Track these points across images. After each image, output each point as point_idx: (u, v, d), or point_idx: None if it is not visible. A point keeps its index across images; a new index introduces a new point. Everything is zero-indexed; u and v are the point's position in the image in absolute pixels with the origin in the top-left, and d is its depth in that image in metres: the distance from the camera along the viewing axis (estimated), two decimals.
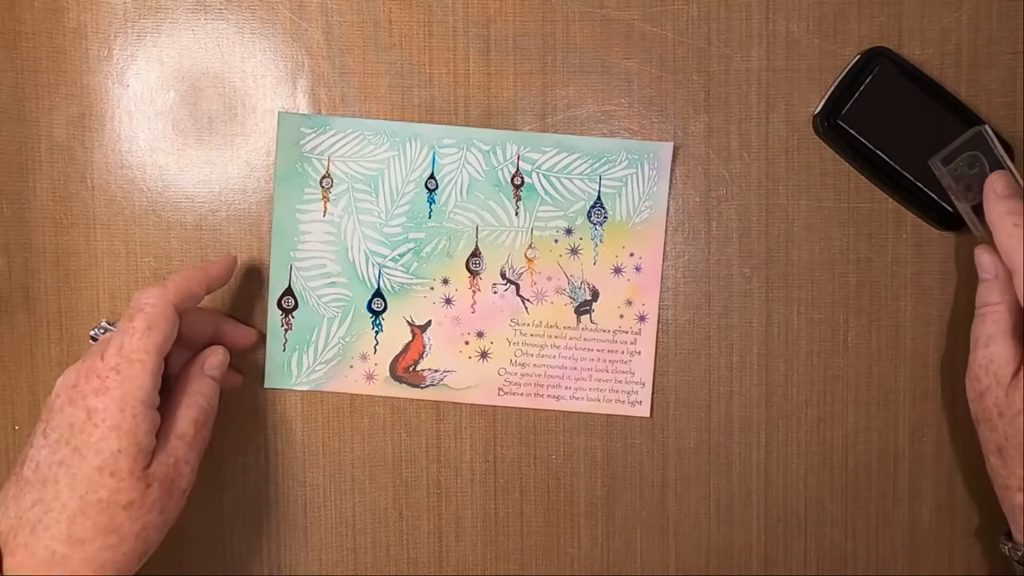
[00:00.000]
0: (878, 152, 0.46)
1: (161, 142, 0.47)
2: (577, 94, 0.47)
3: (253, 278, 0.48)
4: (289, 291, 0.47)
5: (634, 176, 0.47)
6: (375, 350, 0.48)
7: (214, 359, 0.44)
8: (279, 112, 0.47)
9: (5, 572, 0.36)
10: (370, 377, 0.48)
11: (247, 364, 0.48)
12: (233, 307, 0.48)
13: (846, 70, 0.46)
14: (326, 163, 0.47)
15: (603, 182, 0.47)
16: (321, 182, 0.47)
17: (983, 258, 0.44)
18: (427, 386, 0.48)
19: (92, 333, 0.44)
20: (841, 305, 0.48)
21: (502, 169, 0.47)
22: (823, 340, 0.48)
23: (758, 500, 0.48)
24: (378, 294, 0.47)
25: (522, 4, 0.47)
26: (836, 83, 0.47)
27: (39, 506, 0.37)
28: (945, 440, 0.48)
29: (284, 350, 0.48)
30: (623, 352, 0.48)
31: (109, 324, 0.44)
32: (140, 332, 0.39)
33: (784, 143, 0.47)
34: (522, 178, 0.47)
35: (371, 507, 0.48)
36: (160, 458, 0.39)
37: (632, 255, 0.47)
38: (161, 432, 0.40)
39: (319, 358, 0.48)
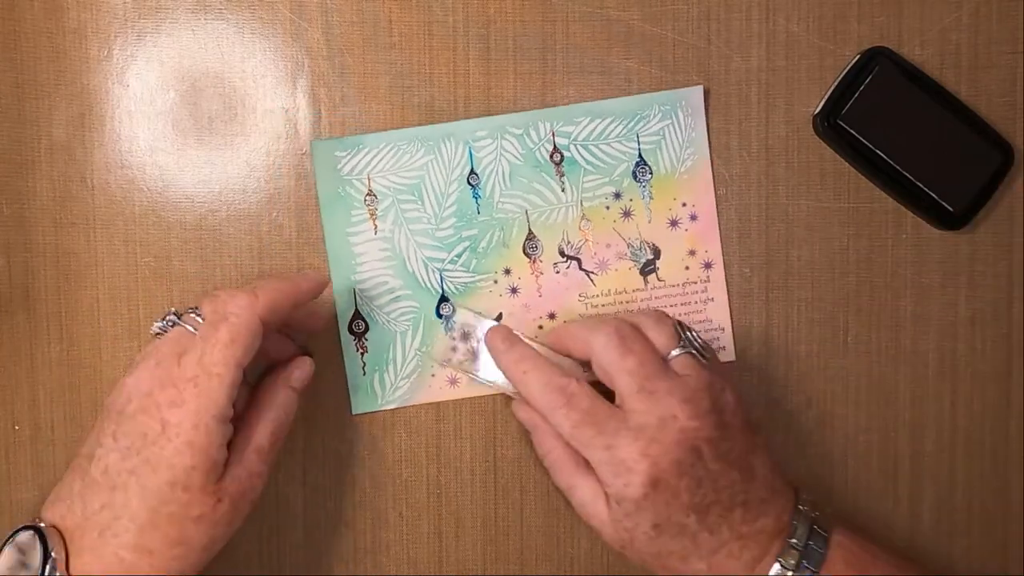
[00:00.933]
0: (878, 152, 0.46)
1: (161, 142, 0.47)
2: (577, 94, 0.47)
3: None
4: (357, 314, 0.47)
5: (670, 127, 0.47)
6: (453, 351, 0.47)
7: (301, 373, 0.43)
8: (311, 142, 0.47)
9: (72, 572, 0.36)
10: (454, 382, 0.48)
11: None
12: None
13: (846, 70, 0.47)
14: (367, 182, 0.47)
15: (641, 139, 0.47)
16: (365, 201, 0.47)
17: (519, 413, 0.45)
18: None
19: (159, 325, 0.40)
20: (841, 305, 0.48)
21: (539, 149, 0.47)
22: (823, 340, 0.48)
23: None
24: (444, 298, 0.47)
25: (522, 4, 0.47)
26: (836, 83, 0.47)
27: (107, 511, 0.37)
28: (945, 440, 0.48)
29: (364, 373, 0.47)
30: (696, 303, 0.47)
31: (176, 316, 0.40)
32: (223, 344, 0.38)
33: (784, 143, 0.47)
34: (561, 153, 0.47)
35: (371, 507, 0.48)
36: (234, 472, 0.39)
37: (685, 205, 0.47)
38: (237, 443, 0.39)
39: (400, 374, 0.47)
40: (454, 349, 0.47)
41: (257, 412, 0.41)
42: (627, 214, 0.47)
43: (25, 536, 0.37)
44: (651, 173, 0.47)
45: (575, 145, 0.47)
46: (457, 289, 0.47)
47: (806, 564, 0.39)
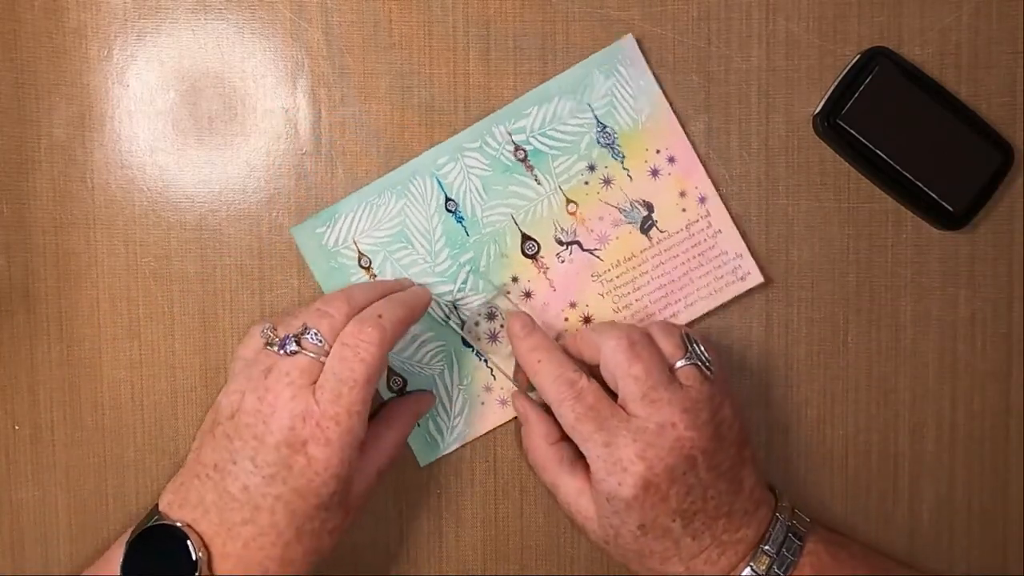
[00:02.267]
0: (878, 152, 0.46)
1: (161, 142, 0.47)
2: None
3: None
4: (392, 372, 0.47)
5: (617, 84, 0.47)
6: (494, 377, 0.47)
7: (427, 407, 0.47)
8: (291, 229, 0.47)
9: (217, 572, 0.39)
10: (504, 402, 0.47)
11: None
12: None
13: (846, 70, 0.46)
14: (354, 246, 0.47)
15: (593, 107, 0.47)
16: (360, 263, 0.47)
17: (515, 403, 0.46)
18: None
19: (285, 346, 0.40)
20: (841, 305, 0.48)
21: (501, 153, 0.47)
22: (823, 340, 0.48)
23: None
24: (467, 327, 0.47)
25: (522, 4, 0.47)
26: (836, 83, 0.47)
27: (251, 526, 0.39)
28: (945, 440, 0.48)
29: (419, 425, 0.47)
30: (706, 240, 0.47)
31: (296, 340, 0.40)
32: (361, 385, 0.39)
33: (784, 143, 0.47)
34: (523, 150, 0.47)
35: (371, 507, 0.48)
36: (360, 490, 0.42)
37: (659, 152, 0.47)
38: (365, 464, 0.42)
39: (452, 414, 0.48)
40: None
41: (383, 435, 0.44)
42: (607, 182, 0.47)
43: (161, 532, 0.40)
44: (615, 134, 0.47)
45: (534, 137, 0.47)
46: (475, 313, 0.47)
47: (776, 569, 0.41)
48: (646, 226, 0.47)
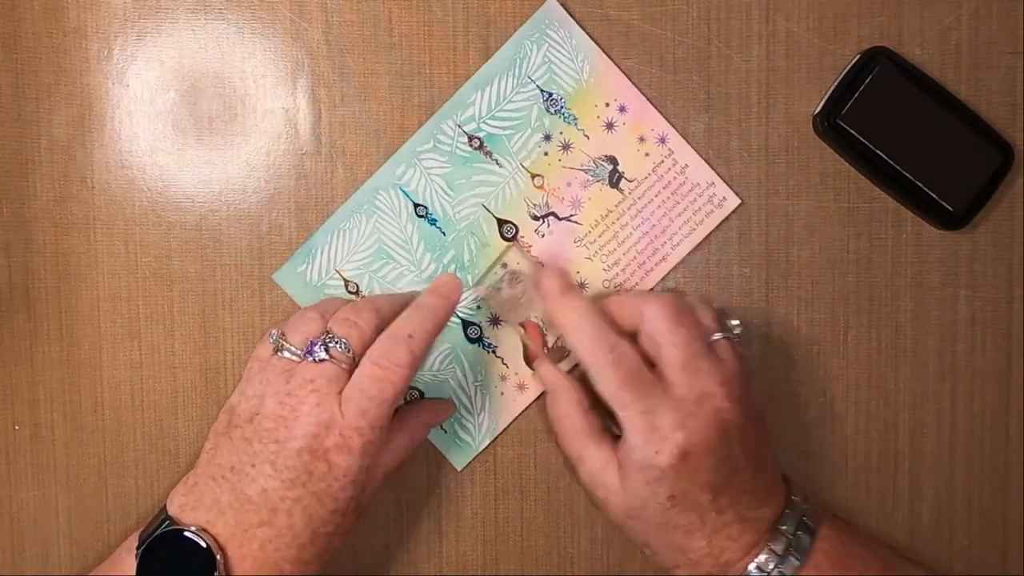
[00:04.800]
0: (878, 152, 0.46)
1: (161, 142, 0.47)
2: None
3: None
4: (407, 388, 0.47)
5: (550, 49, 0.47)
6: (505, 364, 0.47)
7: (443, 417, 0.47)
8: (272, 276, 0.47)
9: (233, 572, 0.39)
10: (522, 387, 0.48)
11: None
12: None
13: (846, 70, 0.46)
14: (339, 276, 0.47)
15: (534, 77, 0.47)
16: (348, 290, 0.47)
17: (542, 370, 0.45)
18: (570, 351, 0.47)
19: (313, 353, 0.41)
20: (841, 305, 0.48)
21: (456, 147, 0.47)
22: (823, 340, 0.48)
23: None
24: (466, 324, 0.47)
25: (522, 4, 0.47)
26: (836, 83, 0.47)
27: (268, 529, 0.39)
28: (945, 440, 0.48)
29: (444, 431, 0.48)
30: (675, 177, 0.47)
31: (325, 348, 0.41)
32: (388, 404, 0.40)
33: (784, 143, 0.47)
34: (477, 138, 0.47)
35: (371, 507, 0.48)
36: (369, 492, 0.42)
37: (608, 104, 0.47)
38: (375, 464, 0.42)
39: (475, 412, 0.48)
40: (499, 290, 0.47)
41: (395, 438, 0.44)
42: (566, 147, 0.47)
43: (175, 537, 0.39)
44: (561, 99, 0.47)
45: (484, 123, 0.47)
46: (472, 310, 0.47)
47: (793, 552, 0.41)
48: (614, 179, 0.47)
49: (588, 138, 0.47)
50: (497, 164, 0.47)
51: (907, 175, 0.46)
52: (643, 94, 0.47)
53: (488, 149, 0.47)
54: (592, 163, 0.47)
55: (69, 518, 0.48)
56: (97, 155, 0.47)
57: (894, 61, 0.46)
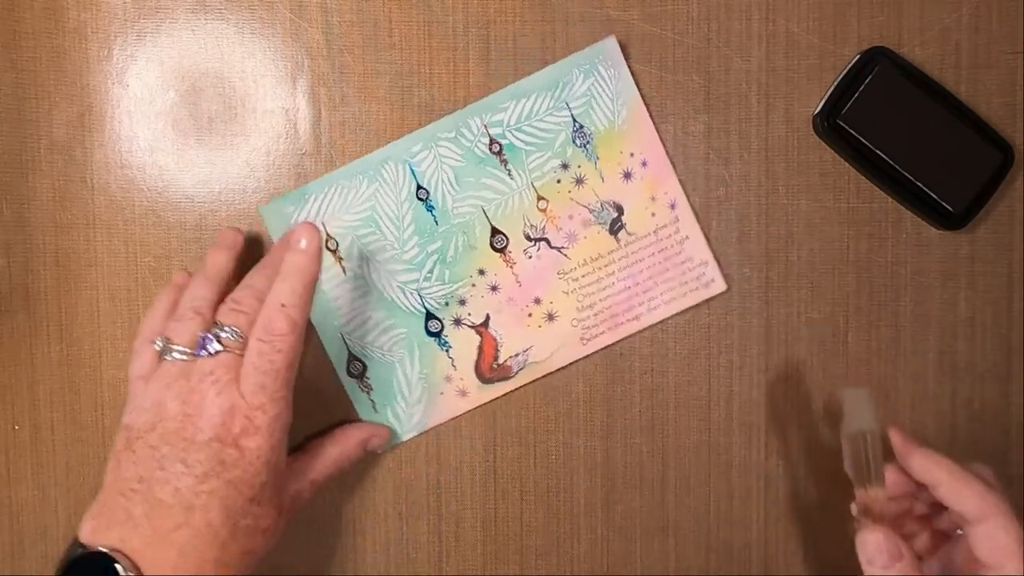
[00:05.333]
0: (878, 152, 0.46)
1: (161, 142, 0.47)
2: None
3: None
4: (352, 357, 0.47)
5: (596, 84, 0.47)
6: (454, 367, 0.48)
7: (380, 441, 0.47)
8: (259, 207, 0.47)
9: None
10: (463, 393, 0.48)
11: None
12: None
13: (846, 70, 0.46)
14: (323, 229, 0.47)
15: (571, 105, 0.47)
16: (327, 246, 0.47)
17: (876, 540, 0.40)
18: (516, 373, 0.47)
19: (206, 346, 0.41)
20: (841, 305, 0.48)
21: (476, 145, 0.47)
22: (823, 340, 0.48)
23: (758, 500, 0.48)
24: (429, 316, 0.47)
25: (522, 4, 0.47)
26: (836, 83, 0.47)
27: (186, 530, 0.38)
28: (945, 440, 0.48)
29: (376, 411, 0.48)
30: (672, 245, 0.47)
31: (216, 339, 0.41)
32: (282, 373, 0.40)
33: (784, 143, 0.47)
34: (498, 143, 0.47)
35: (371, 507, 0.48)
36: (291, 490, 0.42)
37: (633, 155, 0.47)
38: (298, 466, 0.43)
39: (410, 401, 0.48)
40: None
41: (326, 449, 0.45)
42: (579, 181, 0.47)
43: (86, 560, 0.38)
44: (590, 134, 0.47)
45: (509, 131, 0.47)
46: (439, 303, 0.47)
47: None
48: (615, 227, 0.47)
49: (603, 180, 0.47)
50: (509, 175, 0.47)
51: (907, 175, 0.46)
52: (669, 158, 0.47)
53: (505, 157, 0.47)
54: (599, 205, 0.47)
55: (69, 518, 0.48)
56: (97, 155, 0.47)
57: (894, 61, 0.46)
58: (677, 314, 0.48)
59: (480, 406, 0.48)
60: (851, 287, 0.48)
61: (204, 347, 0.41)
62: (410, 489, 0.48)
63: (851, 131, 0.46)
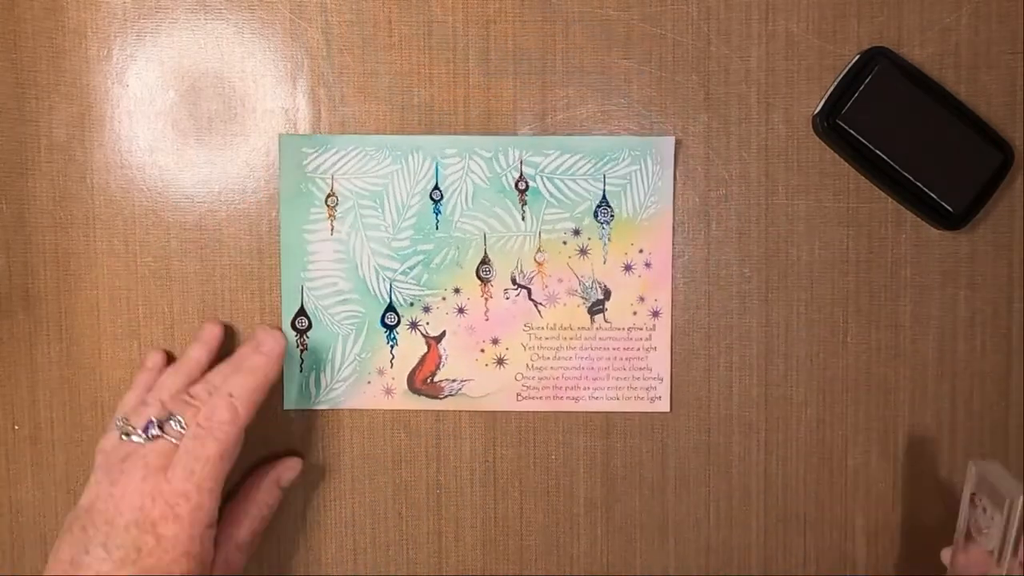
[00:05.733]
0: (878, 152, 0.46)
1: (161, 142, 0.47)
2: (577, 94, 0.47)
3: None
4: (302, 311, 0.47)
5: (638, 172, 0.47)
6: (392, 364, 0.48)
7: (291, 474, 0.46)
8: (280, 135, 0.47)
9: None
10: (389, 392, 0.48)
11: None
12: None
13: (846, 70, 0.46)
14: (330, 182, 0.47)
15: (607, 180, 0.47)
16: (327, 201, 0.47)
17: None
18: (445, 396, 0.48)
19: (148, 431, 0.41)
20: (841, 305, 0.48)
21: (506, 175, 0.47)
22: (823, 340, 0.48)
23: (758, 500, 0.48)
24: (391, 308, 0.47)
25: (522, 4, 0.47)
26: (836, 83, 0.47)
27: None
28: (944, 440, 0.48)
29: (301, 370, 0.48)
30: (639, 349, 0.48)
31: (159, 427, 0.41)
32: (213, 462, 0.40)
33: (784, 143, 0.47)
34: (526, 182, 0.47)
35: (371, 507, 0.48)
36: (217, 564, 0.42)
37: (641, 251, 0.47)
38: (220, 538, 0.42)
39: (336, 376, 0.48)
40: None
41: (242, 508, 0.45)
42: (583, 252, 0.47)
43: None
44: (612, 215, 0.47)
45: (541, 176, 0.47)
46: (405, 301, 0.47)
47: None
48: (595, 309, 0.48)
49: (605, 262, 0.47)
50: (523, 216, 0.47)
51: (907, 175, 0.46)
52: (672, 268, 0.47)
53: (526, 199, 0.47)
54: (591, 282, 0.47)
55: None
56: (97, 155, 0.47)
57: (894, 61, 0.46)
58: (613, 412, 0.48)
59: (397, 411, 0.48)
60: (851, 287, 0.48)
61: (146, 431, 0.41)
62: (410, 489, 0.48)
63: (851, 131, 0.46)
